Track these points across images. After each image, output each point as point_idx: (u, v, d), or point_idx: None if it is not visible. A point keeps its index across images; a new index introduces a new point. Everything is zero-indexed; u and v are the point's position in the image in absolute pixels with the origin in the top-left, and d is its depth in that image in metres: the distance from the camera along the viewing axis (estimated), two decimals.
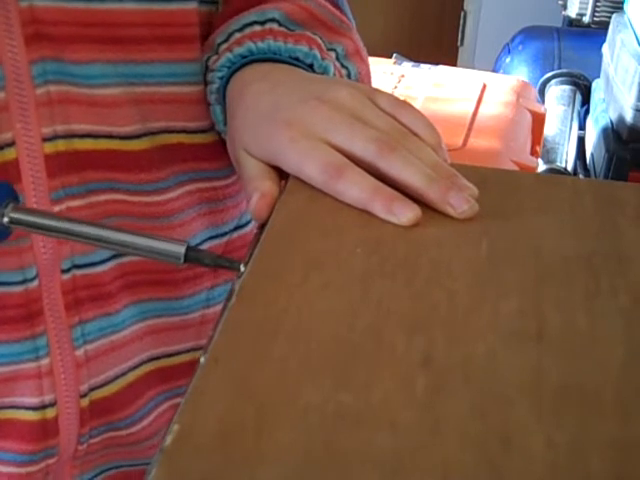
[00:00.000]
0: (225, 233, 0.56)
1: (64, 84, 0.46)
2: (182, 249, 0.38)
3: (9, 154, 0.46)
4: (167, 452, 0.26)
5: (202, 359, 0.30)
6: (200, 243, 0.55)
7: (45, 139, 0.47)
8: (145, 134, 0.49)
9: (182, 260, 0.38)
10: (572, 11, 1.94)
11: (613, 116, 1.71)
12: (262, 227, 0.38)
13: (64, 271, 0.50)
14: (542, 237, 0.37)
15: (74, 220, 0.42)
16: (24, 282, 0.48)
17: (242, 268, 0.36)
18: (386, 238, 0.37)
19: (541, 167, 1.66)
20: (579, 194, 0.41)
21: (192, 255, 0.39)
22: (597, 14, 1.91)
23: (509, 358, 0.30)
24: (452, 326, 0.32)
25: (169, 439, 0.26)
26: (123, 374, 0.54)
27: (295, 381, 0.29)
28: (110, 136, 0.48)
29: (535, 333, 0.31)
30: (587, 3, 1.91)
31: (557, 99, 1.85)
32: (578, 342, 0.31)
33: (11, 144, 0.46)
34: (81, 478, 0.56)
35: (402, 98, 0.45)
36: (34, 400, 0.51)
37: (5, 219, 0.40)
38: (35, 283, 0.49)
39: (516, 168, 1.38)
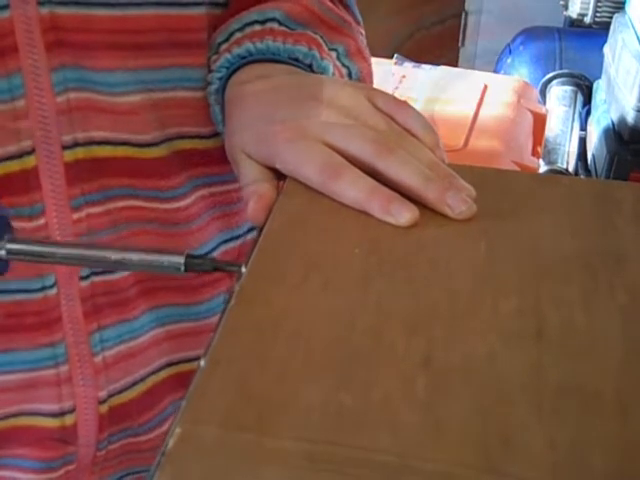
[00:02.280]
0: (239, 236, 0.56)
1: (84, 91, 0.46)
2: (181, 259, 0.38)
3: (29, 162, 0.46)
4: (169, 455, 0.26)
5: (202, 362, 0.30)
6: (215, 247, 0.55)
7: (65, 147, 0.47)
8: (163, 141, 0.49)
9: (183, 270, 0.38)
10: (573, 11, 1.94)
11: (614, 117, 1.71)
12: (262, 229, 0.38)
13: (82, 278, 0.50)
14: (540, 236, 0.37)
15: (71, 244, 0.42)
16: (43, 289, 0.48)
17: (243, 269, 0.36)
18: (385, 238, 0.37)
19: (542, 168, 1.65)
20: (577, 193, 0.41)
21: (192, 262, 0.38)
22: (598, 14, 1.91)
23: (509, 358, 0.30)
24: (452, 326, 0.32)
25: (171, 442, 0.26)
26: (142, 380, 0.54)
27: (296, 382, 0.29)
28: (128, 143, 0.48)
29: (534, 332, 0.31)
30: (588, 3, 1.91)
31: (558, 100, 1.85)
32: (577, 341, 0.31)
33: (31, 152, 0.46)
34: None
35: (403, 99, 0.45)
36: (53, 407, 0.51)
37: (2, 252, 0.39)
38: (54, 291, 0.49)
39: (517, 169, 1.38)
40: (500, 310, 0.33)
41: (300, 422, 0.27)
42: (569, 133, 1.79)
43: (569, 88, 1.87)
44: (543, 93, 1.91)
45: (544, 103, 1.87)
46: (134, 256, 0.39)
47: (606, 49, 1.74)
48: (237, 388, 0.28)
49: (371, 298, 0.33)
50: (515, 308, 0.33)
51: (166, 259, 0.38)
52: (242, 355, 0.30)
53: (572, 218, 0.39)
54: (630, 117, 1.63)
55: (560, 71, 1.88)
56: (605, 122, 1.75)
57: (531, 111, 1.61)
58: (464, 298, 0.33)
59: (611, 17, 1.74)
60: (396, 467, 0.25)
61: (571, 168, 1.72)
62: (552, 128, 1.77)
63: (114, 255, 0.39)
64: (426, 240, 0.37)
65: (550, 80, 1.89)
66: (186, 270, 0.38)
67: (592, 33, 1.93)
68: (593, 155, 1.81)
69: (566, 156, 1.73)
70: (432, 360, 0.30)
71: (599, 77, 1.83)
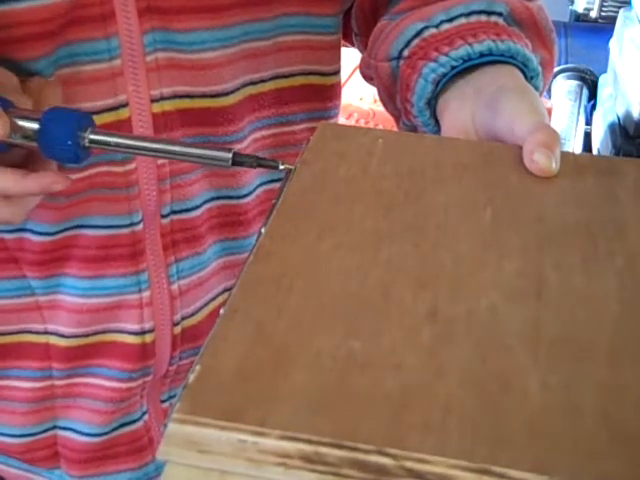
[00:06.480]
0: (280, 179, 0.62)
1: (170, 51, 0.53)
2: (229, 155, 0.46)
3: (123, 113, 0.53)
4: (190, 388, 0.28)
5: (222, 311, 0.32)
6: (258, 186, 0.61)
7: (153, 100, 0.54)
8: (233, 90, 0.56)
9: (230, 163, 0.46)
10: (579, 6, 1.95)
11: (620, 112, 1.72)
12: (280, 194, 0.40)
13: (163, 216, 0.57)
14: (544, 206, 0.39)
15: (142, 138, 0.49)
16: (131, 225, 0.56)
17: (281, 166, 0.45)
18: (396, 205, 0.39)
19: None
20: (581, 167, 0.42)
21: (238, 159, 0.46)
22: (604, 9, 1.91)
23: (509, 312, 0.32)
24: (457, 283, 0.34)
25: (192, 377, 0.28)
26: (206, 305, 0.62)
27: (308, 329, 0.31)
28: (205, 95, 0.55)
29: (534, 290, 0.33)
30: None
31: (564, 94, 1.86)
32: (575, 299, 0.33)
33: (125, 105, 0.53)
34: (169, 394, 0.65)
35: None
36: (135, 327, 0.59)
37: (85, 142, 0.47)
38: (140, 226, 0.57)
39: None
40: (503, 271, 0.35)
41: (312, 363, 0.29)
42: (574, 128, 1.80)
43: (575, 82, 1.88)
44: (548, 87, 1.92)
45: (549, 97, 1.89)
46: (191, 150, 0.47)
47: (612, 44, 1.75)
48: (253, 333, 0.30)
49: (381, 258, 0.35)
50: (517, 269, 0.35)
51: (217, 154, 0.46)
52: (258, 305, 0.32)
53: (575, 189, 0.41)
54: (636, 112, 1.64)
55: (565, 65, 1.89)
56: (611, 117, 1.76)
57: None
58: (469, 259, 0.35)
59: (617, 12, 1.75)
60: (402, 403, 0.27)
61: None
62: (557, 123, 1.78)
63: (175, 148, 0.47)
64: (435, 207, 0.39)
65: (555, 74, 1.90)
66: (233, 164, 0.45)
67: (598, 28, 1.93)
68: (598, 150, 1.82)
69: (572, 150, 1.74)
70: (437, 312, 0.32)
71: (605, 72, 1.84)
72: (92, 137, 0.47)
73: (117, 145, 0.48)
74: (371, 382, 0.28)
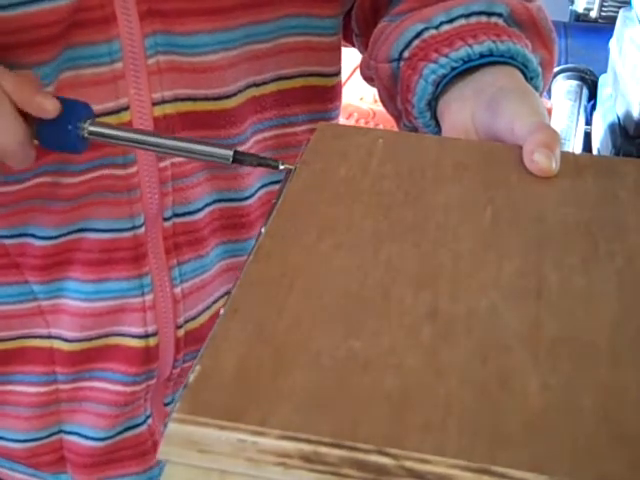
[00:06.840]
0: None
1: (171, 54, 0.53)
2: (230, 152, 0.46)
3: (124, 116, 0.53)
4: (190, 388, 0.28)
5: (222, 311, 0.32)
6: (259, 188, 0.61)
7: (154, 103, 0.54)
8: (235, 93, 0.56)
9: (230, 161, 0.46)
10: (579, 6, 1.95)
11: (620, 112, 1.72)
12: (280, 194, 0.40)
13: (165, 219, 0.57)
14: (544, 206, 0.39)
15: (142, 132, 0.50)
16: (133, 228, 0.56)
17: (281, 166, 0.45)
18: (396, 205, 0.39)
19: None
20: (581, 167, 0.42)
21: (239, 157, 0.46)
22: (604, 9, 1.92)
23: (509, 312, 0.32)
24: (457, 283, 0.34)
25: (192, 377, 0.28)
26: (208, 307, 0.62)
27: (308, 329, 0.31)
28: (207, 98, 0.55)
29: (535, 291, 0.33)
30: None
31: (564, 94, 1.86)
32: (575, 299, 0.33)
33: (126, 108, 0.53)
34: (173, 397, 0.65)
35: None
36: (139, 330, 0.59)
37: (85, 132, 0.47)
38: (142, 230, 0.56)
39: None
40: (503, 271, 0.35)
41: (312, 363, 0.29)
42: (574, 128, 1.80)
43: (574, 83, 1.88)
44: (548, 87, 1.92)
45: (549, 98, 1.89)
46: (192, 145, 0.47)
47: (612, 44, 1.75)
48: (254, 333, 0.30)
49: (381, 258, 0.35)
50: (517, 269, 0.35)
51: (218, 151, 0.46)
52: (258, 305, 0.32)
53: (575, 189, 0.41)
54: (636, 112, 1.64)
55: (565, 65, 1.89)
56: (611, 117, 1.76)
57: None
58: (469, 259, 0.35)
59: (617, 12, 1.75)
60: (402, 402, 0.27)
61: None
62: (557, 123, 1.78)
63: (177, 143, 0.47)
64: (435, 207, 0.39)
65: (555, 74, 1.90)
66: (233, 162, 0.45)
67: (598, 28, 1.93)
68: (598, 150, 1.82)
69: (572, 150, 1.74)
70: (437, 312, 0.32)
71: (605, 72, 1.84)
72: (92, 129, 0.47)
73: (117, 138, 0.47)
74: (371, 382, 0.28)
